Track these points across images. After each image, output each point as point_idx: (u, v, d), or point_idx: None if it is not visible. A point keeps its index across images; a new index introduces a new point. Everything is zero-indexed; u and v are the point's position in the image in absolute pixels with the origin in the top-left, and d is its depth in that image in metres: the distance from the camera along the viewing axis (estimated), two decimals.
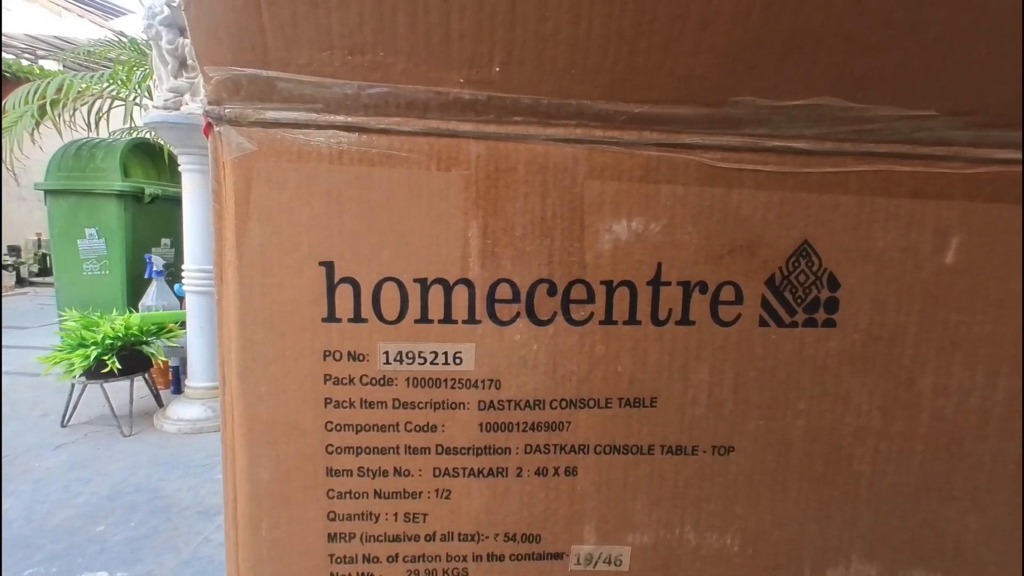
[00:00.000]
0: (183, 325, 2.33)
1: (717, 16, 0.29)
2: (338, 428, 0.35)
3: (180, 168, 2.17)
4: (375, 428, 0.35)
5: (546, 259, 0.34)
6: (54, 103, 3.26)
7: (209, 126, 0.32)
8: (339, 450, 0.35)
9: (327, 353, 0.34)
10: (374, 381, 0.34)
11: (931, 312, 0.36)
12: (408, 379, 0.34)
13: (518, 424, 0.35)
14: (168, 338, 2.31)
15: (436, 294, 0.33)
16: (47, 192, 3.42)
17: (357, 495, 0.35)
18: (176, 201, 3.65)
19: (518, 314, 0.34)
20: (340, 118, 0.31)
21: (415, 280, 0.33)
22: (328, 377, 0.34)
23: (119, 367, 2.03)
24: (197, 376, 2.29)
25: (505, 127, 0.32)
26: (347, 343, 0.34)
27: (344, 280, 0.33)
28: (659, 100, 0.32)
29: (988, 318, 0.36)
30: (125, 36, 3.79)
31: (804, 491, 0.38)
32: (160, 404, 2.46)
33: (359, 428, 0.35)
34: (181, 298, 2.78)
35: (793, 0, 0.29)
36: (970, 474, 0.38)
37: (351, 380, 0.34)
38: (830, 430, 0.37)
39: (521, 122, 0.32)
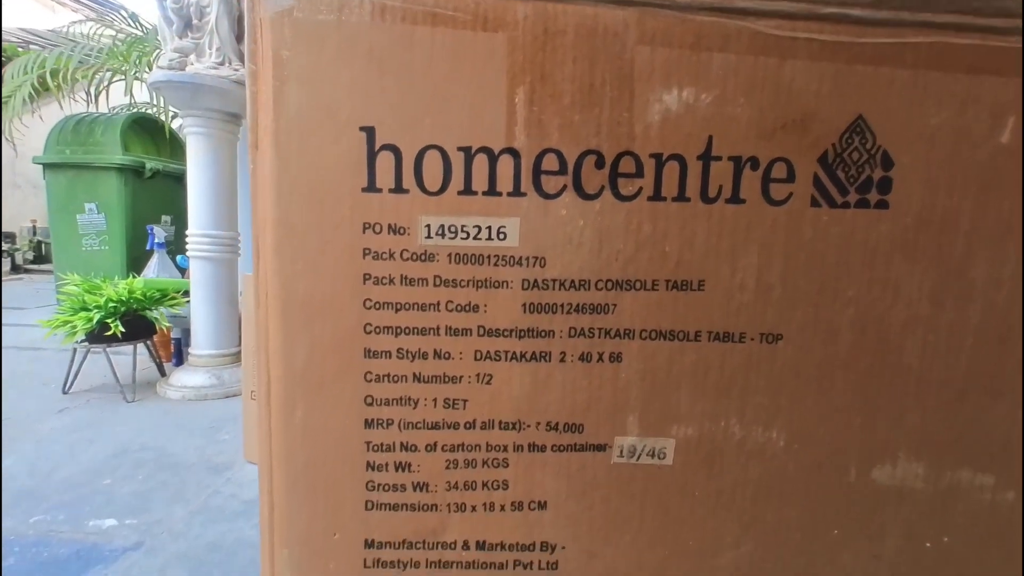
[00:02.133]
0: (186, 295, 2.32)
1: None
2: (377, 306, 0.33)
3: (184, 130, 2.14)
4: (415, 307, 0.34)
5: (594, 129, 0.32)
6: (53, 73, 3.22)
7: None
8: (378, 330, 0.34)
9: (366, 226, 0.33)
10: (415, 256, 0.33)
11: (985, 196, 0.35)
12: (450, 255, 0.33)
13: (562, 305, 0.34)
14: (171, 306, 2.29)
15: (480, 164, 0.32)
16: (45, 166, 3.38)
17: (396, 378, 0.34)
18: (177, 178, 3.63)
19: (565, 187, 0.33)
20: None
21: (459, 148, 0.32)
22: (367, 251, 0.33)
23: (123, 330, 2.01)
24: (201, 344, 2.27)
25: None
26: (387, 215, 0.33)
27: (385, 147, 0.32)
28: None
29: None
30: (126, 10, 3.75)
31: (851, 384, 0.37)
32: (163, 374, 2.44)
33: (399, 307, 0.33)
34: (183, 270, 2.76)
35: None
36: (1021, 371, 0.37)
37: (391, 255, 0.33)
38: (879, 320, 0.36)
39: None
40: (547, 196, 0.33)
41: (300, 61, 0.31)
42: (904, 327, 0.36)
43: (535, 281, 0.34)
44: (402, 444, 0.35)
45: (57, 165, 3.35)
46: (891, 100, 0.33)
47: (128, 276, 2.48)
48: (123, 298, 2.05)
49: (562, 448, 0.36)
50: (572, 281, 0.34)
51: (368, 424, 0.35)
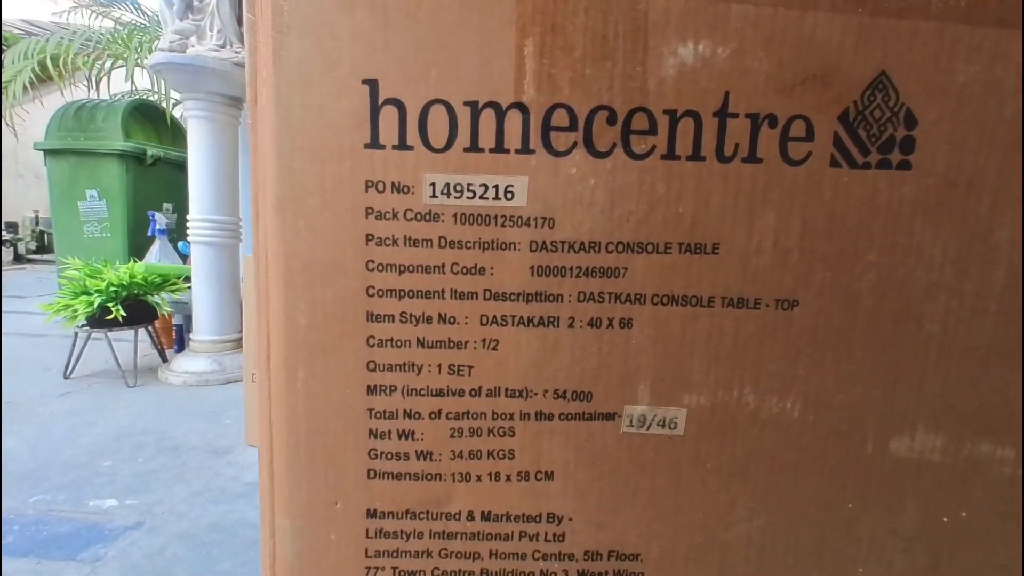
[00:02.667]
0: (187, 280, 2.31)
1: None
2: (380, 268, 0.32)
3: (185, 113, 2.12)
4: (419, 269, 0.32)
5: (607, 83, 0.31)
6: (54, 59, 3.20)
7: None
8: (381, 292, 0.33)
9: (369, 184, 0.31)
10: (419, 216, 0.32)
11: (1012, 157, 0.33)
12: (456, 215, 0.32)
13: (571, 268, 0.33)
14: (172, 291, 2.28)
15: (488, 119, 0.31)
16: (46, 152, 3.37)
17: (399, 343, 0.33)
18: (178, 165, 3.61)
19: (575, 144, 0.32)
20: None
21: (465, 103, 0.31)
22: (370, 211, 0.32)
23: (123, 315, 2.00)
24: (203, 330, 2.26)
25: None
26: (391, 173, 0.31)
27: (389, 101, 0.31)
28: None
29: None
30: None
31: (870, 352, 0.35)
32: (164, 360, 2.44)
33: (402, 269, 0.32)
34: (185, 257, 2.75)
35: None
36: None
37: (395, 214, 0.32)
38: (900, 285, 0.35)
39: None
40: (557, 154, 0.32)
41: (300, 11, 0.30)
42: (926, 293, 0.35)
43: (544, 243, 0.33)
44: (405, 411, 0.34)
45: (58, 151, 3.34)
46: (916, 55, 0.32)
47: (130, 262, 2.47)
48: (124, 282, 2.05)
49: (570, 417, 0.35)
50: (582, 243, 0.33)
51: (371, 390, 0.34)
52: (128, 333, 2.20)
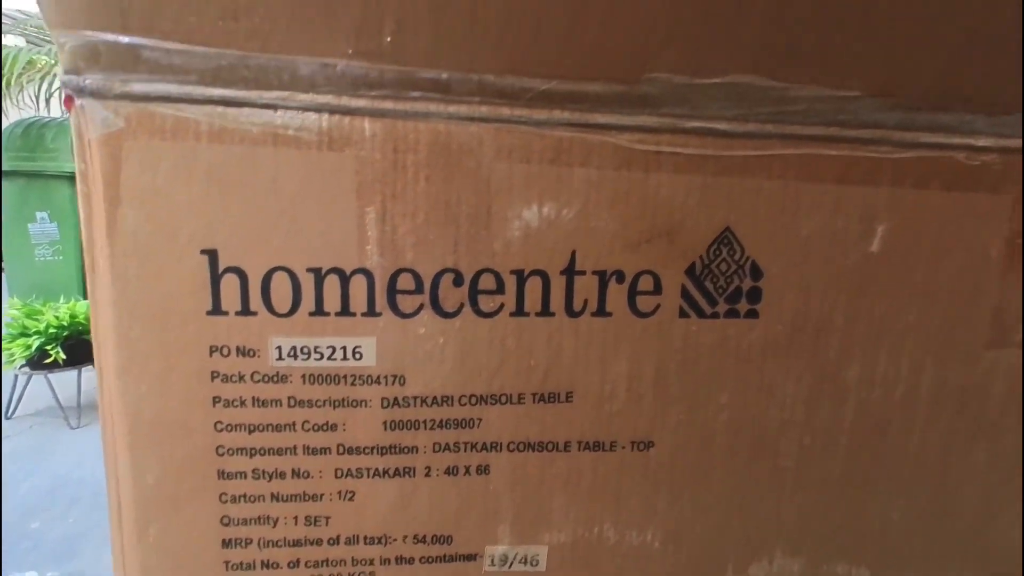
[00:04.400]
0: None
1: None
2: (229, 428, 0.32)
3: None
4: (270, 428, 0.32)
5: (451, 247, 0.31)
6: None
7: (70, 99, 0.29)
8: (231, 451, 0.32)
9: (214, 348, 0.31)
10: (266, 378, 0.32)
11: (856, 302, 0.35)
12: (304, 375, 0.32)
13: (425, 422, 0.33)
14: None
15: (332, 284, 0.31)
16: None
17: (253, 498, 0.33)
18: None
19: (422, 306, 0.32)
20: (217, 91, 0.28)
21: (308, 269, 0.31)
22: (216, 374, 0.31)
23: (63, 357, 1.94)
24: None
25: (403, 103, 0.29)
26: (235, 337, 0.31)
27: (229, 270, 0.30)
28: (568, 75, 0.29)
29: (914, 307, 0.35)
30: None
31: (727, 486, 0.36)
32: None
33: (252, 428, 0.32)
34: None
35: None
36: (895, 466, 0.37)
37: (241, 377, 0.32)
38: (753, 423, 0.36)
39: (420, 98, 0.29)
40: (404, 315, 0.32)
41: (133, 183, 0.29)
42: (779, 429, 0.36)
43: (395, 399, 0.33)
44: (263, 562, 0.34)
45: (7, 173, 3.20)
46: (759, 211, 0.33)
47: (81, 289, 2.40)
48: (64, 323, 1.98)
49: (431, 560, 0.35)
50: (435, 398, 0.33)
51: (226, 544, 0.34)
52: (72, 370, 2.13)
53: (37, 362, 1.99)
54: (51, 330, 1.97)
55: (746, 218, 0.33)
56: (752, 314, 0.34)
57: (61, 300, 2.19)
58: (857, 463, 0.37)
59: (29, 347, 1.92)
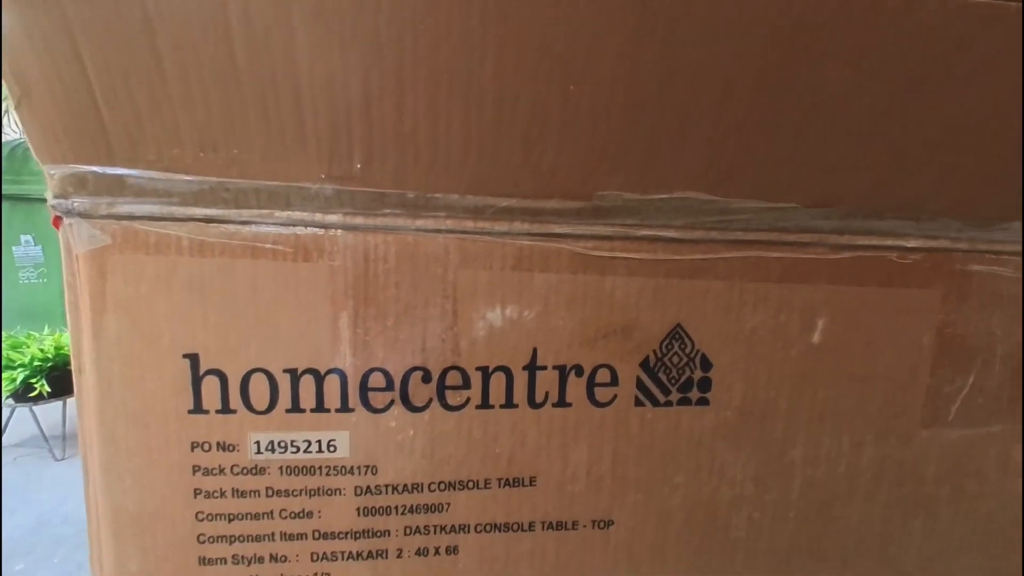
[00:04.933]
0: None
1: (577, 117, 0.30)
2: (210, 518, 0.34)
3: None
4: (248, 516, 0.34)
5: (420, 347, 0.33)
6: None
7: (58, 218, 0.30)
8: (211, 539, 0.34)
9: (195, 444, 0.33)
10: (245, 471, 0.34)
11: (800, 388, 0.37)
12: (281, 467, 0.34)
13: (396, 507, 0.35)
14: None
15: (307, 384, 0.33)
16: None
17: None
18: None
19: (392, 401, 0.34)
20: (198, 210, 0.30)
21: (285, 370, 0.33)
22: (197, 468, 0.33)
23: (48, 390, 1.92)
24: None
25: (372, 219, 0.32)
26: (216, 433, 0.33)
27: (210, 372, 0.32)
28: (526, 195, 0.32)
29: (852, 392, 0.37)
30: None
31: (683, 559, 0.39)
32: None
33: (232, 517, 0.34)
34: None
35: (651, 105, 0.29)
36: (839, 536, 0.40)
37: (221, 470, 0.33)
38: (707, 501, 0.38)
39: (389, 214, 0.32)
40: (375, 411, 0.34)
41: (118, 293, 0.31)
42: (731, 506, 0.38)
43: (368, 487, 0.35)
44: None
45: None
46: (708, 308, 0.35)
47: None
48: (49, 356, 1.96)
49: None
50: (405, 485, 0.35)
51: None
52: (57, 400, 2.11)
53: (21, 395, 1.96)
54: (36, 363, 1.95)
55: (696, 315, 0.35)
56: (703, 402, 0.36)
57: (45, 329, 2.17)
58: (804, 534, 0.39)
59: (14, 380, 1.90)
